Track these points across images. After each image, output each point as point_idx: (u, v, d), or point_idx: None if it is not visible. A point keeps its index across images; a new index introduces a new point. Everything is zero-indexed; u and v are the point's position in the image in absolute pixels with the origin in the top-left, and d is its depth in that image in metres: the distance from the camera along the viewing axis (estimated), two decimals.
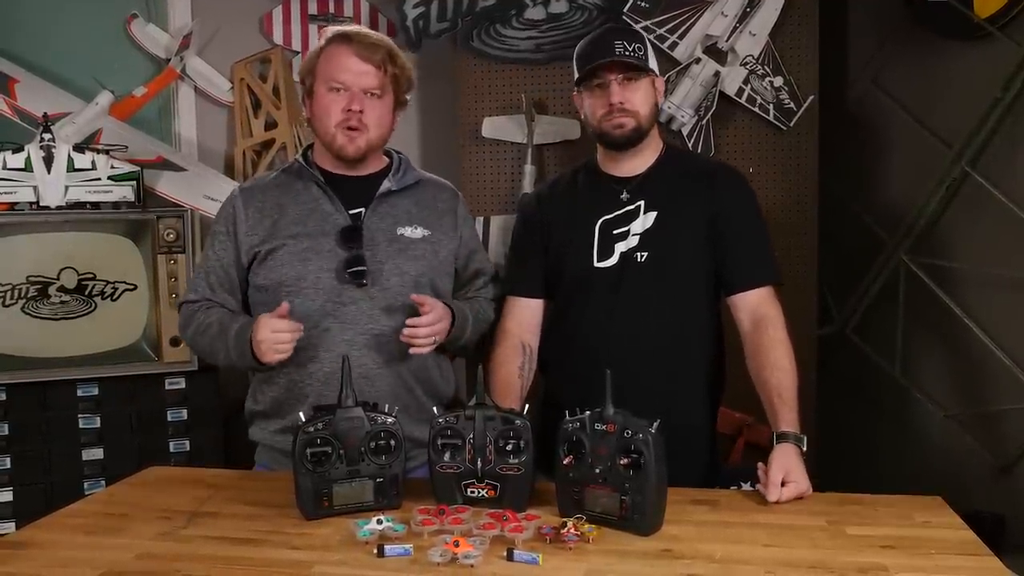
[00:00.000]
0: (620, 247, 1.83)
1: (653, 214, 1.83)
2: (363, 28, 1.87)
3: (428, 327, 1.74)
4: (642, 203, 1.84)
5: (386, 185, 1.85)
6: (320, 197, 1.83)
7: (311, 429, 1.47)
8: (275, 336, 1.68)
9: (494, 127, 2.79)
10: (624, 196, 1.85)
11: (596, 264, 1.83)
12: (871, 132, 2.93)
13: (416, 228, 1.85)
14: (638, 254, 1.82)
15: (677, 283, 1.82)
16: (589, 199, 1.89)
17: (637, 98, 1.81)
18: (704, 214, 1.83)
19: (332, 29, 1.84)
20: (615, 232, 1.83)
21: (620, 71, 1.80)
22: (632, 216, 1.84)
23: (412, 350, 1.75)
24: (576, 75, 1.86)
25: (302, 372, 1.78)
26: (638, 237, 1.82)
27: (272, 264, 1.80)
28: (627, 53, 1.79)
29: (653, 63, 1.85)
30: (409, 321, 1.73)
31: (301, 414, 1.52)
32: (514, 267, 1.99)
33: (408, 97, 1.89)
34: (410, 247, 1.83)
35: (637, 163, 1.87)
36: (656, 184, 1.86)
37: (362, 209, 1.83)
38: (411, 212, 1.87)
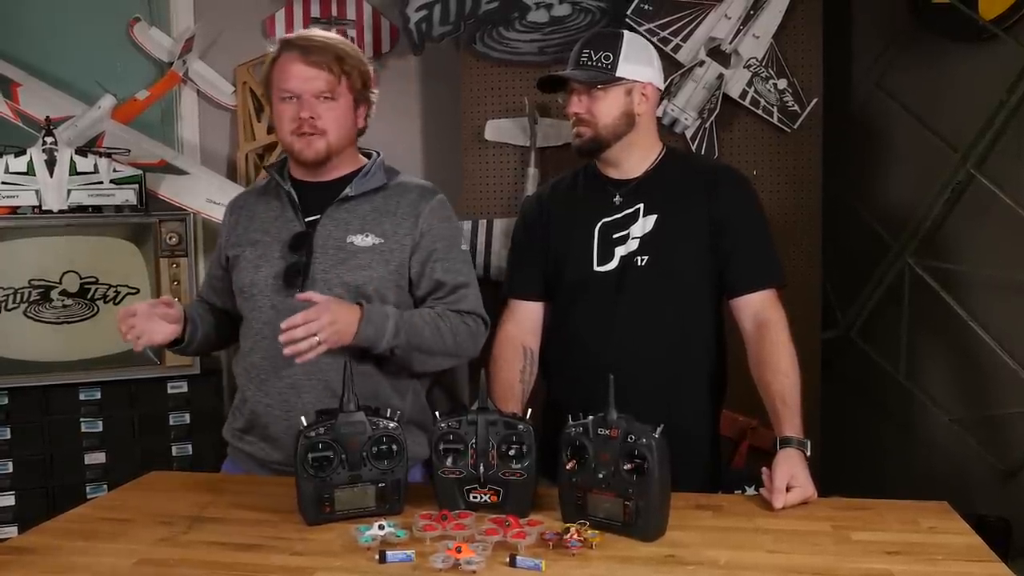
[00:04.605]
0: (620, 251, 1.81)
1: (653, 217, 1.81)
2: (311, 31, 1.82)
3: (304, 325, 1.57)
4: (641, 206, 1.82)
5: (345, 191, 1.79)
6: (286, 204, 1.82)
7: (313, 434, 1.46)
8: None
9: (497, 130, 2.78)
10: (616, 199, 1.84)
11: (596, 268, 1.82)
12: (875, 135, 2.93)
13: (367, 236, 1.77)
14: (638, 258, 1.80)
15: (678, 287, 1.81)
16: (588, 202, 1.88)
17: (599, 107, 1.79)
18: (705, 216, 1.81)
19: (281, 37, 1.81)
20: (615, 236, 1.82)
21: (578, 81, 1.79)
22: (632, 219, 1.82)
23: (288, 349, 1.58)
24: None
25: (259, 395, 1.79)
26: (638, 241, 1.81)
27: (234, 272, 1.84)
28: (590, 64, 1.78)
29: (633, 70, 1.78)
30: (283, 324, 1.58)
31: (303, 418, 1.50)
32: (514, 269, 1.98)
33: (373, 93, 1.83)
34: (356, 255, 1.76)
35: (632, 166, 1.86)
36: (656, 187, 1.84)
37: (319, 216, 1.79)
38: (366, 219, 1.79)
